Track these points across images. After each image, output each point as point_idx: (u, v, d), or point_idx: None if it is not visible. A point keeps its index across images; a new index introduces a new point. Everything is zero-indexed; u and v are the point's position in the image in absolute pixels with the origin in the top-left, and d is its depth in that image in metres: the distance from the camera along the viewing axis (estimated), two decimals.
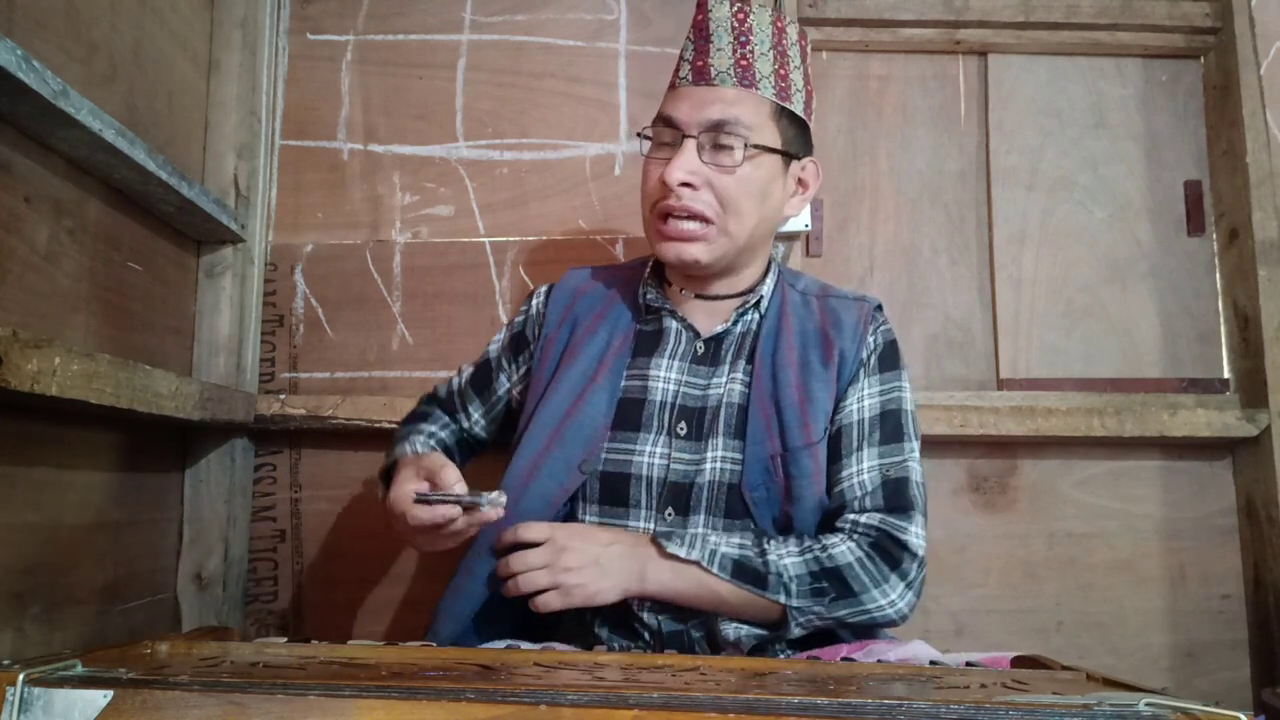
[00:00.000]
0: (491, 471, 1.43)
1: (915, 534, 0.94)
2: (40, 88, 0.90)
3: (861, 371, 1.00)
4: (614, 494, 0.98)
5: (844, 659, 0.84)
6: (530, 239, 1.53)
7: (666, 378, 1.01)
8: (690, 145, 0.95)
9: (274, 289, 1.51)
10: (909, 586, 0.92)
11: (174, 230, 1.35)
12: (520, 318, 1.15)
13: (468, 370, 1.18)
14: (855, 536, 0.93)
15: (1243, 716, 0.44)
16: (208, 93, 1.45)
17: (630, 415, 1.00)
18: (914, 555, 0.93)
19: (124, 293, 1.20)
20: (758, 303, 1.04)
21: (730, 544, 0.91)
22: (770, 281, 1.05)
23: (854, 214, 1.58)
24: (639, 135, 1.01)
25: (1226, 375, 1.54)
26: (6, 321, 0.93)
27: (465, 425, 1.16)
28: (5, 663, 0.48)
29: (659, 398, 1.00)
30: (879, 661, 0.81)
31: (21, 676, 0.46)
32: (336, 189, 1.54)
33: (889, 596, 0.91)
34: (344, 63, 1.56)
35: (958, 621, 1.49)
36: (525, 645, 0.87)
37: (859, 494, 0.95)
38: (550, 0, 1.58)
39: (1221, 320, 1.56)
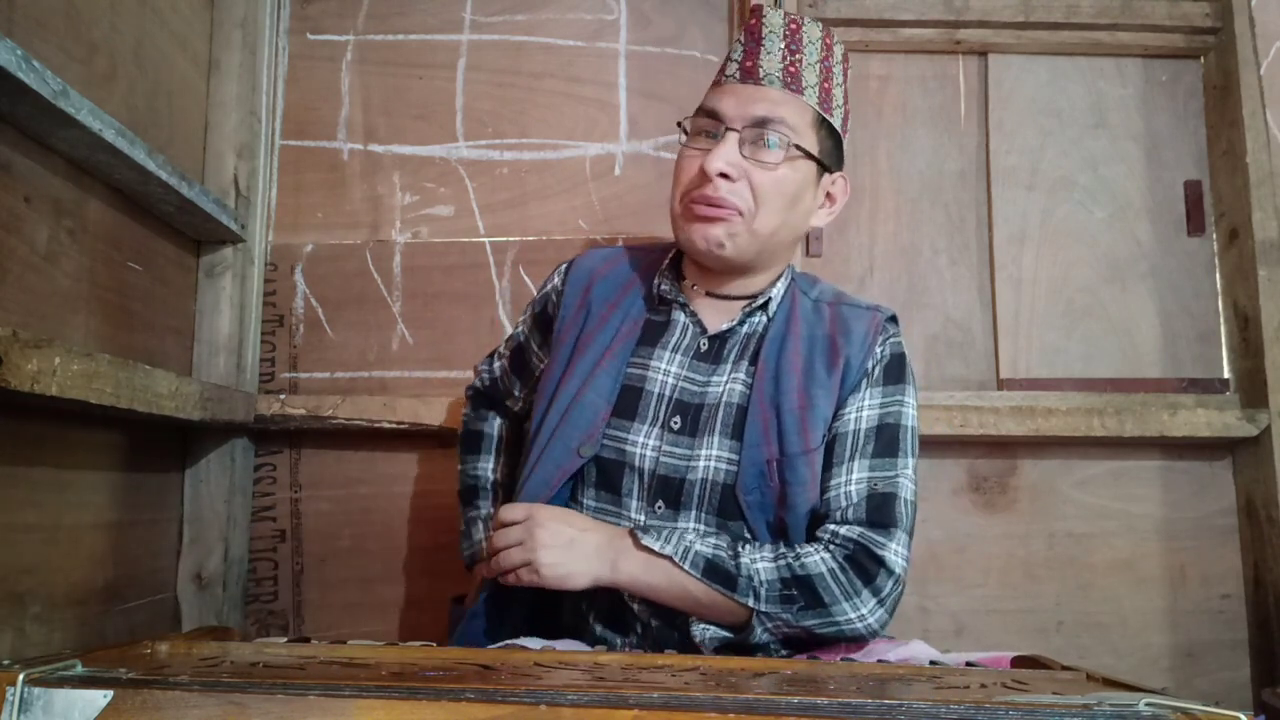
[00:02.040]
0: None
1: (894, 551, 0.93)
2: (40, 88, 0.90)
3: (864, 382, 0.99)
4: (609, 480, 0.99)
5: (844, 659, 0.84)
6: (530, 239, 1.53)
7: (666, 369, 1.02)
8: (732, 138, 0.95)
9: (274, 289, 1.51)
10: (880, 603, 0.91)
11: (174, 230, 1.35)
12: (541, 296, 1.15)
13: (505, 354, 1.20)
14: (831, 548, 0.92)
15: (1243, 716, 0.44)
16: (208, 93, 1.45)
17: (628, 403, 1.01)
18: (890, 572, 0.92)
19: (124, 293, 1.20)
20: (765, 304, 1.03)
21: (706, 544, 0.92)
22: (781, 286, 1.05)
23: (854, 214, 1.58)
24: (679, 125, 1.02)
25: (1226, 375, 1.54)
26: (6, 321, 0.93)
27: (515, 408, 1.21)
28: (5, 663, 0.48)
29: (655, 389, 1.01)
30: (879, 661, 0.81)
31: (21, 676, 0.46)
32: (336, 189, 1.54)
33: (859, 610, 0.90)
34: (344, 63, 1.56)
35: (958, 621, 1.49)
36: (526, 644, 0.87)
37: (843, 505, 0.95)
38: (550, 0, 1.58)
39: (1221, 320, 1.56)
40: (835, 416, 0.98)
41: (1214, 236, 1.57)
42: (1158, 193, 1.59)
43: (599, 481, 0.99)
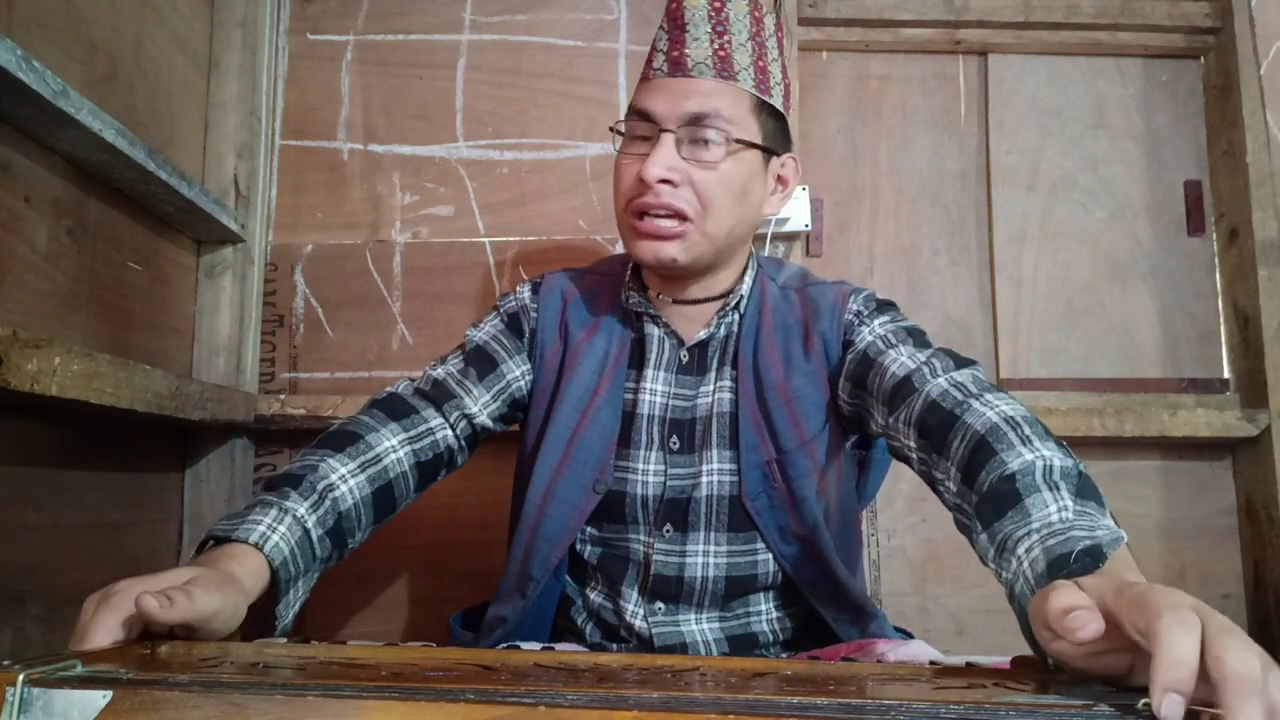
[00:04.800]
0: (495, 470, 1.41)
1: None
2: (40, 88, 0.90)
3: (857, 322, 0.95)
4: (612, 511, 0.95)
5: (844, 659, 0.84)
6: (530, 239, 1.53)
7: (654, 389, 0.98)
8: (669, 140, 0.89)
9: (274, 289, 1.51)
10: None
11: (174, 230, 1.35)
12: (509, 308, 1.05)
13: (454, 359, 1.02)
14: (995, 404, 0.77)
15: None
16: (208, 93, 1.45)
17: (624, 430, 0.97)
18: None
19: (124, 293, 1.20)
20: (738, 303, 0.99)
21: (1088, 530, 0.62)
22: (749, 279, 1.00)
23: (854, 214, 1.58)
24: (611, 130, 0.96)
25: (1226, 375, 1.54)
26: (6, 321, 0.93)
27: (470, 410, 0.97)
28: (5, 663, 0.48)
29: (646, 410, 0.97)
30: (879, 661, 0.81)
31: (21, 677, 0.46)
32: (336, 189, 1.54)
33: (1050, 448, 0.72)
34: (344, 63, 1.56)
35: (958, 621, 1.49)
36: (525, 646, 0.87)
37: (935, 368, 0.83)
38: (550, 0, 1.58)
39: (1221, 320, 1.56)
40: (840, 368, 0.94)
41: (1214, 236, 1.57)
42: (1158, 193, 1.59)
43: (600, 512, 0.95)
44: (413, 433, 0.93)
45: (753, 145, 0.92)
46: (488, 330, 1.03)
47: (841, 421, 0.97)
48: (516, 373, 1.02)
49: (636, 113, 0.93)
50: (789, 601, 0.96)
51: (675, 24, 0.93)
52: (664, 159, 0.89)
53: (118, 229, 1.19)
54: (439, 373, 1.00)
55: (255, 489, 1.46)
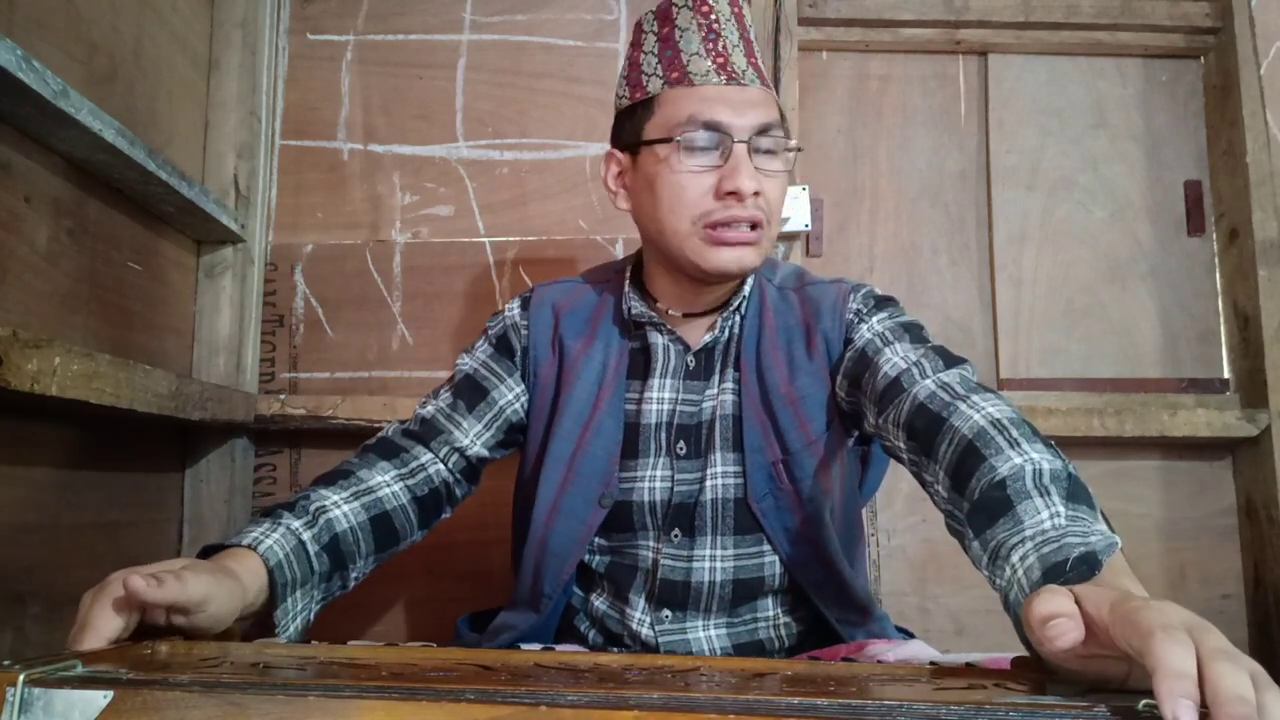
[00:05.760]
0: (495, 471, 1.43)
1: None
2: (40, 88, 0.90)
3: (857, 320, 0.94)
4: (620, 521, 0.95)
5: (844, 659, 0.84)
6: (530, 239, 1.53)
7: (660, 397, 0.97)
8: (743, 150, 0.87)
9: (274, 289, 1.51)
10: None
11: (174, 230, 1.35)
12: (499, 328, 1.03)
13: (444, 394, 1.01)
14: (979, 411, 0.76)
15: None
16: (208, 93, 1.45)
17: (630, 440, 0.97)
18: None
19: (124, 293, 1.20)
20: (739, 306, 0.98)
21: (1082, 536, 0.62)
22: (749, 281, 0.98)
23: (854, 214, 1.58)
24: (677, 141, 0.87)
25: (1226, 375, 1.54)
26: (6, 321, 0.93)
27: (461, 443, 0.98)
28: (5, 663, 0.48)
29: (653, 419, 0.96)
30: (879, 662, 0.81)
31: (22, 677, 0.46)
32: (336, 189, 1.54)
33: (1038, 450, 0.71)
34: (344, 63, 1.56)
35: (958, 621, 1.49)
36: (526, 646, 0.87)
37: (925, 369, 0.83)
38: (550, 0, 1.58)
39: (1221, 320, 1.56)
40: (839, 367, 0.93)
41: (1214, 236, 1.57)
42: (1158, 193, 1.59)
43: (607, 523, 0.95)
44: (404, 470, 0.95)
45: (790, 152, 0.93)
46: (477, 358, 1.03)
47: (844, 419, 0.97)
48: (509, 396, 1.01)
49: (701, 123, 0.88)
50: (794, 606, 0.96)
51: (708, 28, 0.91)
52: (751, 170, 0.87)
53: (118, 229, 1.19)
54: (427, 411, 1.01)
55: (254, 490, 1.47)
